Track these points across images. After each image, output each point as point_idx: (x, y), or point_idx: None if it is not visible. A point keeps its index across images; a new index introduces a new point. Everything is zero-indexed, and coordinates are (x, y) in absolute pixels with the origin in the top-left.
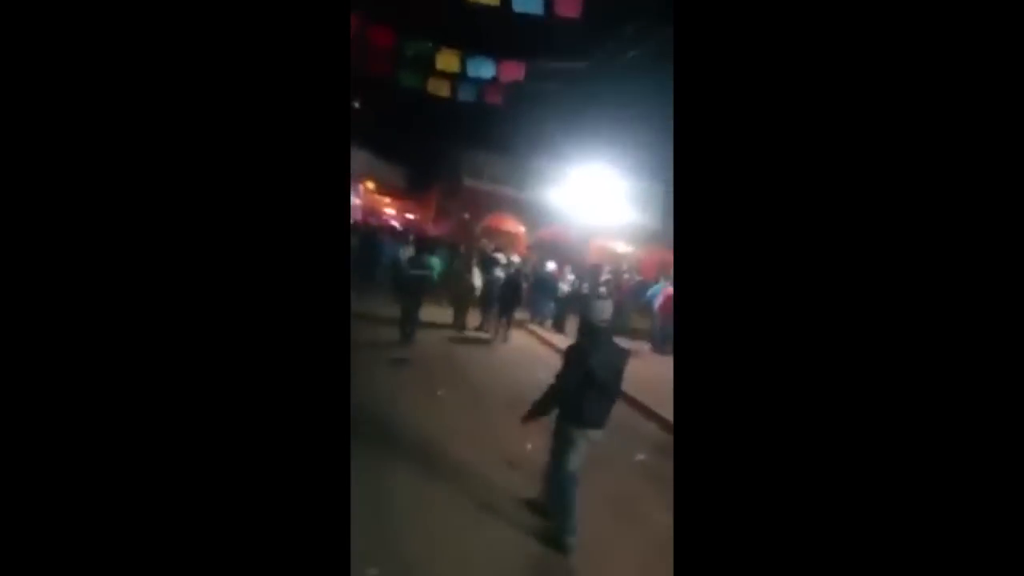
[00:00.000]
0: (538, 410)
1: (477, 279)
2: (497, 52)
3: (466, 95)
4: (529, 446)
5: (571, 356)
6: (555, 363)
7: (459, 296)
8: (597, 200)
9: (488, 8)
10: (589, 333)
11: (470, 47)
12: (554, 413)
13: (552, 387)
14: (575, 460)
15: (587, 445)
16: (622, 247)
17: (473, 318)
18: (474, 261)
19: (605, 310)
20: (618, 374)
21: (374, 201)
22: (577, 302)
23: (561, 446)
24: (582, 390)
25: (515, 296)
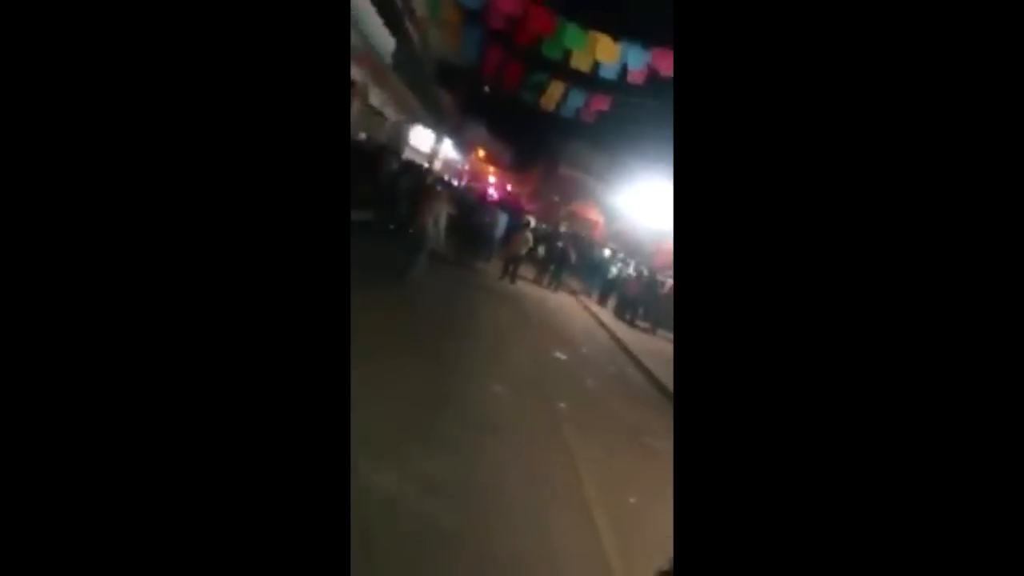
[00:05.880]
0: None
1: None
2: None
3: (567, 114)
4: None
5: None
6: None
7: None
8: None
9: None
10: None
11: (573, 81)
12: None
13: None
14: None
15: None
16: None
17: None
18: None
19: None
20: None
21: (481, 168)
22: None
23: None
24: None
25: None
